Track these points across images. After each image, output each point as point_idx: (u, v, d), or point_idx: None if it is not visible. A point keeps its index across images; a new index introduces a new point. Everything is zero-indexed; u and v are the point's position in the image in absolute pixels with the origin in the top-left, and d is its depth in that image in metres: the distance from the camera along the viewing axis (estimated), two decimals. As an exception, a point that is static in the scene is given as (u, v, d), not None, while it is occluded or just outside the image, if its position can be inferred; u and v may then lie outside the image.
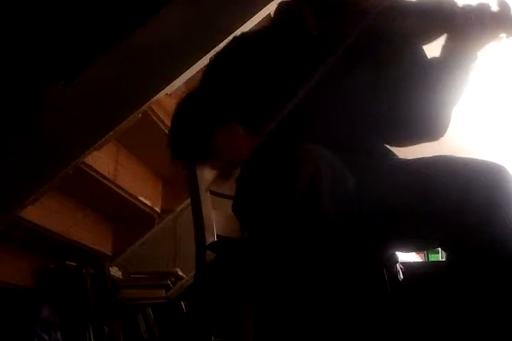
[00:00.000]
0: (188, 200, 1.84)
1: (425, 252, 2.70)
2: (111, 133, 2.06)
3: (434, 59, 1.36)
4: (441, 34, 1.31)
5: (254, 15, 2.07)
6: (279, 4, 1.49)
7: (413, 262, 2.32)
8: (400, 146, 1.44)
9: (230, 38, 1.48)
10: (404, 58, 1.37)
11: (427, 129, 1.38)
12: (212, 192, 1.61)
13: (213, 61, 1.45)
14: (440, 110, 1.36)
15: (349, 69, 1.32)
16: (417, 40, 1.35)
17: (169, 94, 2.18)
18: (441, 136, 1.40)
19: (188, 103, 1.40)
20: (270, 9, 2.15)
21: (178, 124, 1.43)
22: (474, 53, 1.29)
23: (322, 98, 1.29)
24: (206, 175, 1.62)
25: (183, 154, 1.43)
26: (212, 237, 1.53)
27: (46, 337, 2.12)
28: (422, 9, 1.30)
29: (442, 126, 1.38)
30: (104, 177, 2.39)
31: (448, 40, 1.30)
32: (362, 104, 1.33)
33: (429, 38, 1.33)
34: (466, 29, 1.25)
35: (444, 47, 1.31)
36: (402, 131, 1.39)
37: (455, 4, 1.28)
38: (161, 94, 2.11)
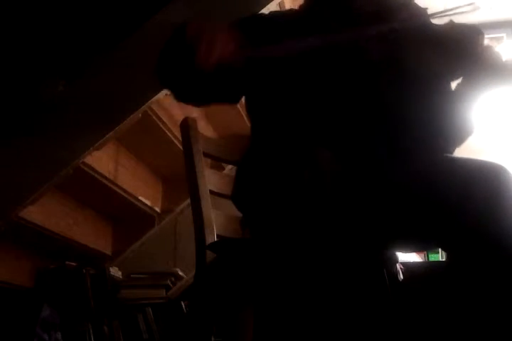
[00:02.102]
0: (188, 200, 1.84)
1: (425, 252, 2.70)
2: (111, 133, 2.07)
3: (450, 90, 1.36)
4: (464, 74, 1.31)
5: (254, 15, 2.07)
6: None
7: (413, 262, 2.31)
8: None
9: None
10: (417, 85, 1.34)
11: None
12: (212, 192, 1.61)
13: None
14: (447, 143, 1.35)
15: (360, 82, 1.31)
16: (439, 80, 1.35)
17: (169, 94, 2.18)
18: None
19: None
20: (270, 9, 2.15)
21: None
22: (487, 92, 1.30)
23: (332, 101, 1.28)
24: (206, 174, 1.62)
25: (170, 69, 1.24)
26: (212, 237, 1.53)
27: (46, 337, 2.12)
28: (449, 43, 1.30)
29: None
30: (104, 177, 2.39)
31: (467, 78, 1.31)
32: (371, 106, 1.32)
33: (452, 79, 1.33)
34: (489, 74, 1.26)
35: (462, 83, 1.32)
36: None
37: (481, 33, 1.29)
38: (161, 94, 2.11)
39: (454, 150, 1.37)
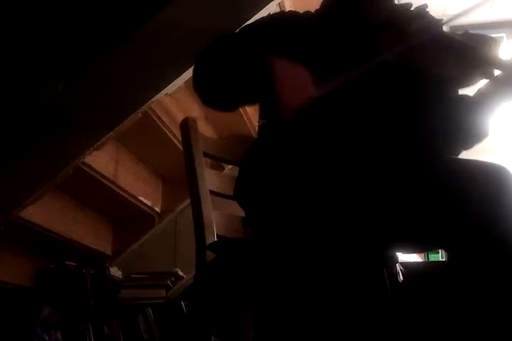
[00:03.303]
0: (188, 200, 1.84)
1: (425, 252, 2.69)
2: (111, 133, 2.07)
3: (467, 97, 1.37)
4: (479, 81, 1.32)
5: (253, 15, 2.07)
6: None
7: (413, 262, 2.31)
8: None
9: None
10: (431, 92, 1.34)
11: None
12: (212, 192, 1.61)
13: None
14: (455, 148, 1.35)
15: (375, 81, 1.31)
16: (454, 87, 1.35)
17: (169, 94, 2.18)
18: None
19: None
20: (270, 9, 2.15)
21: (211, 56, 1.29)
22: (506, 102, 1.30)
23: (343, 100, 1.28)
24: (206, 174, 1.62)
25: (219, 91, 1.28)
26: (212, 237, 1.53)
27: (46, 337, 2.12)
28: (466, 52, 1.30)
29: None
30: (104, 177, 2.39)
31: (487, 87, 1.31)
32: (384, 110, 1.31)
33: (467, 85, 1.34)
34: (508, 83, 1.27)
35: (481, 91, 1.32)
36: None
37: (495, 41, 1.30)
38: (161, 94, 2.11)
39: (460, 153, 1.38)
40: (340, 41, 1.33)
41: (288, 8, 2.52)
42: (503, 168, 1.14)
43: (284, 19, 1.43)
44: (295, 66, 1.16)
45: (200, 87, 1.31)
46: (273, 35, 1.32)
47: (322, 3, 1.46)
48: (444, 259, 2.50)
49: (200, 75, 1.31)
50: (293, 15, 1.47)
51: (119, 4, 2.22)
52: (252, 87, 1.21)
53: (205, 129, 2.74)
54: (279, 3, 2.29)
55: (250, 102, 1.39)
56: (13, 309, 2.15)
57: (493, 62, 1.29)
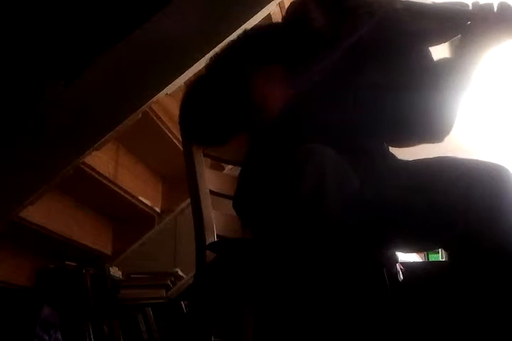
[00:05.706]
0: (188, 200, 1.84)
1: (425, 252, 2.69)
2: (111, 133, 2.07)
3: (443, 59, 1.36)
4: (455, 35, 1.33)
5: (253, 15, 2.07)
6: (291, 3, 1.49)
7: (413, 262, 2.31)
8: (401, 147, 1.43)
9: (235, 35, 1.50)
10: (407, 58, 1.36)
11: (428, 130, 1.37)
12: (212, 192, 1.61)
13: (222, 52, 1.46)
14: (443, 111, 1.35)
15: (352, 69, 1.32)
16: (430, 41, 1.36)
17: (169, 94, 2.18)
18: (444, 137, 1.38)
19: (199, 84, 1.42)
20: (270, 9, 2.15)
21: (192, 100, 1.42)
22: (485, 54, 1.30)
23: (325, 97, 1.29)
24: (206, 174, 1.62)
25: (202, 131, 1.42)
26: (212, 237, 1.53)
27: (46, 337, 2.12)
28: (437, 11, 1.32)
29: (444, 128, 1.37)
30: (104, 177, 2.39)
31: (462, 40, 1.31)
32: (364, 104, 1.32)
33: (443, 39, 1.35)
34: (481, 30, 1.27)
35: (457, 48, 1.32)
36: (403, 132, 1.38)
37: (468, 7, 1.31)
38: (161, 94, 2.11)
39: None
40: (316, 29, 1.34)
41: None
42: (502, 167, 1.13)
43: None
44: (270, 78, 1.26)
45: (189, 128, 1.44)
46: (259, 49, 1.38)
47: (288, 9, 1.48)
48: (444, 259, 2.50)
49: (187, 117, 1.42)
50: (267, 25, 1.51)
51: (119, 4, 2.22)
52: (236, 113, 1.32)
53: (205, 129, 2.73)
54: (278, 3, 2.29)
55: (237, 130, 1.44)
56: (13, 309, 2.15)
57: (464, 15, 1.31)
